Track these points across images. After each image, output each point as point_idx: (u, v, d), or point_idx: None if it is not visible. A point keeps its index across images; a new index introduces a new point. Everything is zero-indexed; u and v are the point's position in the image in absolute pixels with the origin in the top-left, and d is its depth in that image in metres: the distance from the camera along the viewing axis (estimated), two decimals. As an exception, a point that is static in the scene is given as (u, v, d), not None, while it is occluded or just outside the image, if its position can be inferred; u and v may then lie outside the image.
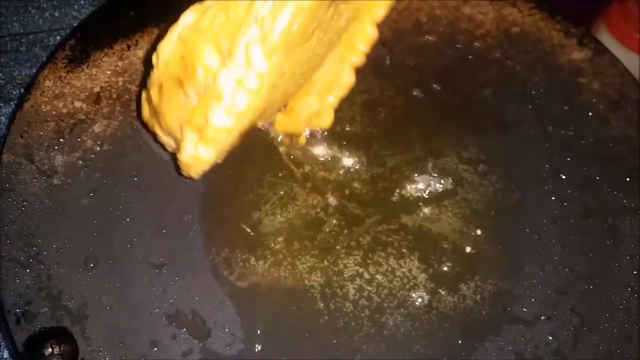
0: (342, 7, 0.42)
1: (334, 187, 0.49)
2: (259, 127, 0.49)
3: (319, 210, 0.48)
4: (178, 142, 0.43)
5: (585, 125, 0.54)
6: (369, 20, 0.47)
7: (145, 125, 0.46)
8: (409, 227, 0.48)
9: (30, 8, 0.64)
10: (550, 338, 0.45)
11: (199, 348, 0.42)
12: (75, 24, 0.63)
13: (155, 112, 0.43)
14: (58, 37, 0.62)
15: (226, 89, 0.38)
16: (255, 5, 0.36)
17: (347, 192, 0.49)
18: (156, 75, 0.41)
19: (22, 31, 0.62)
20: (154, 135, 0.46)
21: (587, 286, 0.47)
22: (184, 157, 0.41)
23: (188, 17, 0.39)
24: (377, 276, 0.46)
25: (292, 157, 0.50)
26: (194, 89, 0.39)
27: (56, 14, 0.64)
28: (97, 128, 0.50)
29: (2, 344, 0.48)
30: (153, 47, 0.53)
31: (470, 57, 0.56)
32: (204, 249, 0.46)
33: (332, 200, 0.49)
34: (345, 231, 0.48)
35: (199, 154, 0.40)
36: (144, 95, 0.44)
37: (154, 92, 0.41)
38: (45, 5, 0.64)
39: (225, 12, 0.37)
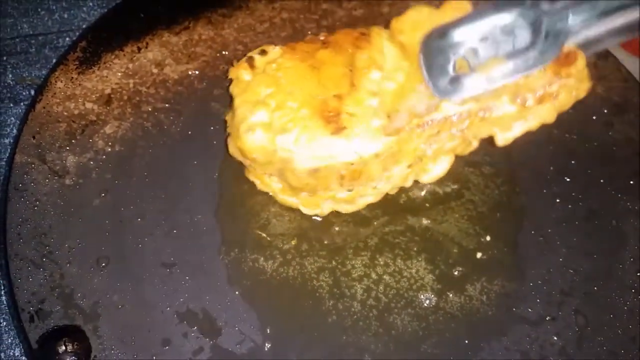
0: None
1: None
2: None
3: (327, 212, 0.49)
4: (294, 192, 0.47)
5: (590, 129, 0.54)
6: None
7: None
8: (416, 228, 0.49)
9: (39, 10, 0.64)
10: (555, 338, 0.45)
11: (209, 346, 0.43)
12: (84, 26, 0.63)
13: (287, 184, 0.46)
14: (67, 39, 0.63)
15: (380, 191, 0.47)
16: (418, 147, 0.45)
17: (355, 193, 0.50)
18: (315, 170, 0.44)
19: (31, 32, 0.63)
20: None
21: (591, 287, 0.47)
22: (319, 213, 0.48)
23: (367, 148, 0.43)
24: (384, 277, 0.47)
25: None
26: (351, 185, 0.45)
27: (65, 16, 0.64)
28: (108, 129, 0.50)
29: (14, 342, 0.48)
30: (163, 50, 0.54)
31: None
32: (214, 249, 0.46)
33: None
34: (353, 232, 0.48)
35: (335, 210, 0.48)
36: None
37: (301, 177, 0.44)
38: (54, 7, 0.65)
39: (398, 145, 0.44)
